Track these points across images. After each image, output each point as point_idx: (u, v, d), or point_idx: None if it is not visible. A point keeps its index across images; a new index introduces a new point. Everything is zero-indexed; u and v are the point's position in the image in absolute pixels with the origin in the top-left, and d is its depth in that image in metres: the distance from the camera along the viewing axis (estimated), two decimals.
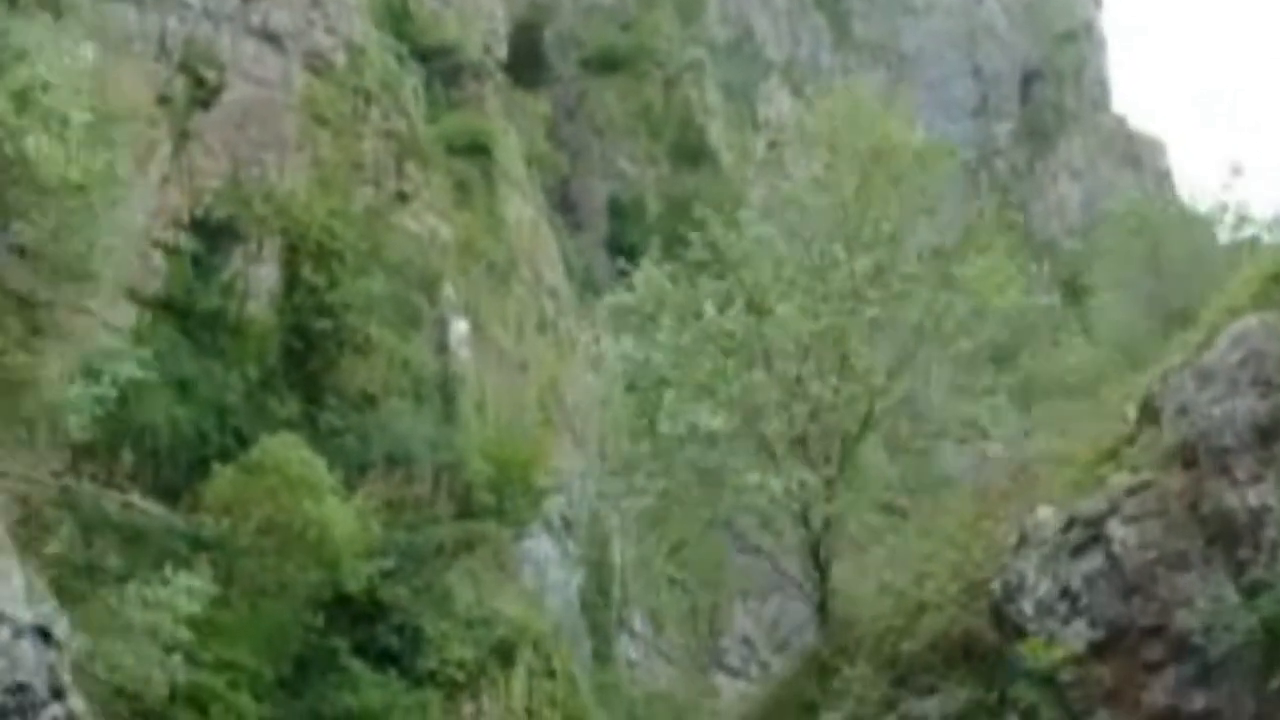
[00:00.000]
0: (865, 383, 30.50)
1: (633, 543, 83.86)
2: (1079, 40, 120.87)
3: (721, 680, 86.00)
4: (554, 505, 71.05)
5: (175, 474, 50.22)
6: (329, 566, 45.10)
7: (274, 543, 43.65)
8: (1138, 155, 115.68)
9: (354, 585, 47.86)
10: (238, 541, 44.33)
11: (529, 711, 49.62)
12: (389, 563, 49.99)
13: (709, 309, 30.48)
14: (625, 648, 77.22)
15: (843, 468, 30.25)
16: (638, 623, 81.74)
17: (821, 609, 28.53)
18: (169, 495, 50.57)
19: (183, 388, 52.13)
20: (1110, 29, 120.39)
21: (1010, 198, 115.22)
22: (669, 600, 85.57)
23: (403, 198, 61.21)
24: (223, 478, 44.78)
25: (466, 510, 53.84)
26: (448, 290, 60.76)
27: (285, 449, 44.48)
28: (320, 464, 45.11)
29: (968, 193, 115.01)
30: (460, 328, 60.16)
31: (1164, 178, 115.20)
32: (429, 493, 54.01)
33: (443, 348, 59.16)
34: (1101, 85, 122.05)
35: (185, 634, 37.63)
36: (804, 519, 30.42)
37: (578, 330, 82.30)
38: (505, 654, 48.90)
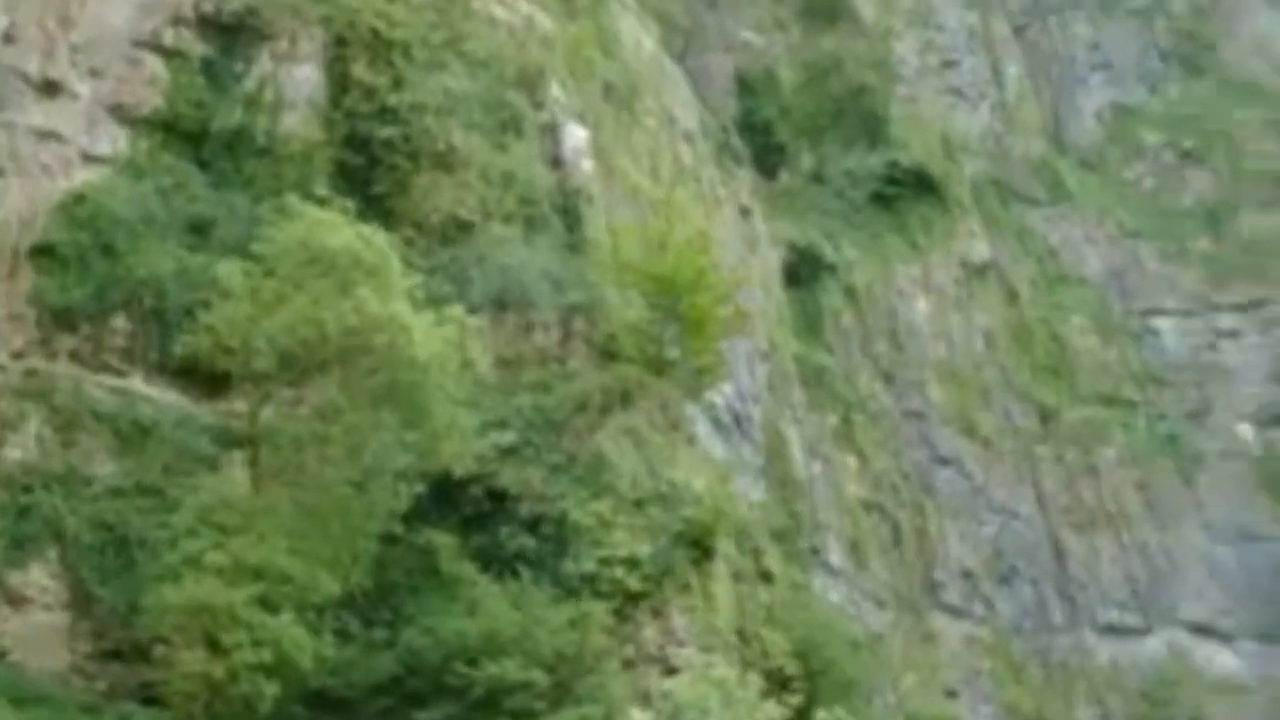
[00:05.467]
0: None
1: (819, 459, 68.10)
2: None
3: (941, 622, 69.16)
4: (720, 397, 54.91)
5: None
6: (414, 415, 28.62)
7: (316, 363, 27.31)
8: None
9: (457, 466, 31.62)
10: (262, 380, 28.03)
11: (741, 633, 32.87)
12: (509, 436, 33.73)
13: None
14: (824, 588, 60.35)
15: None
16: (834, 556, 65.14)
17: None
18: (183, 375, 34.81)
19: (197, 230, 36.90)
20: None
21: (1196, 41, 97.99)
22: (868, 528, 68.91)
23: None
24: (229, 280, 28.42)
25: (611, 363, 37.42)
26: (555, 90, 44.56)
27: (324, 222, 28.09)
28: (384, 243, 28.77)
29: (1143, 42, 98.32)
30: (578, 134, 44.02)
31: None
32: (557, 343, 37.66)
33: (557, 161, 43.00)
34: None
35: None
36: None
37: (724, 192, 66.20)
38: (697, 545, 32.18)
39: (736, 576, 33.76)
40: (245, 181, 38.58)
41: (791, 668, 33.03)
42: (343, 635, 28.89)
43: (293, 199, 30.03)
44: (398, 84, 41.05)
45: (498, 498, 33.46)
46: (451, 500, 32.76)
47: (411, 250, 37.66)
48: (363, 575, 29.13)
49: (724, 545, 33.21)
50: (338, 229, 28.11)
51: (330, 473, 30.04)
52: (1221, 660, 74.54)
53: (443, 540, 31.33)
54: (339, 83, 40.85)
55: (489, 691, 28.38)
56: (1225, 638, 75.12)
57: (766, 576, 35.20)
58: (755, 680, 28.46)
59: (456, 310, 30.75)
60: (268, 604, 26.43)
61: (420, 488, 31.53)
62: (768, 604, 34.46)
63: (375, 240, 28.49)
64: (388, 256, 28.63)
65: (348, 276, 27.37)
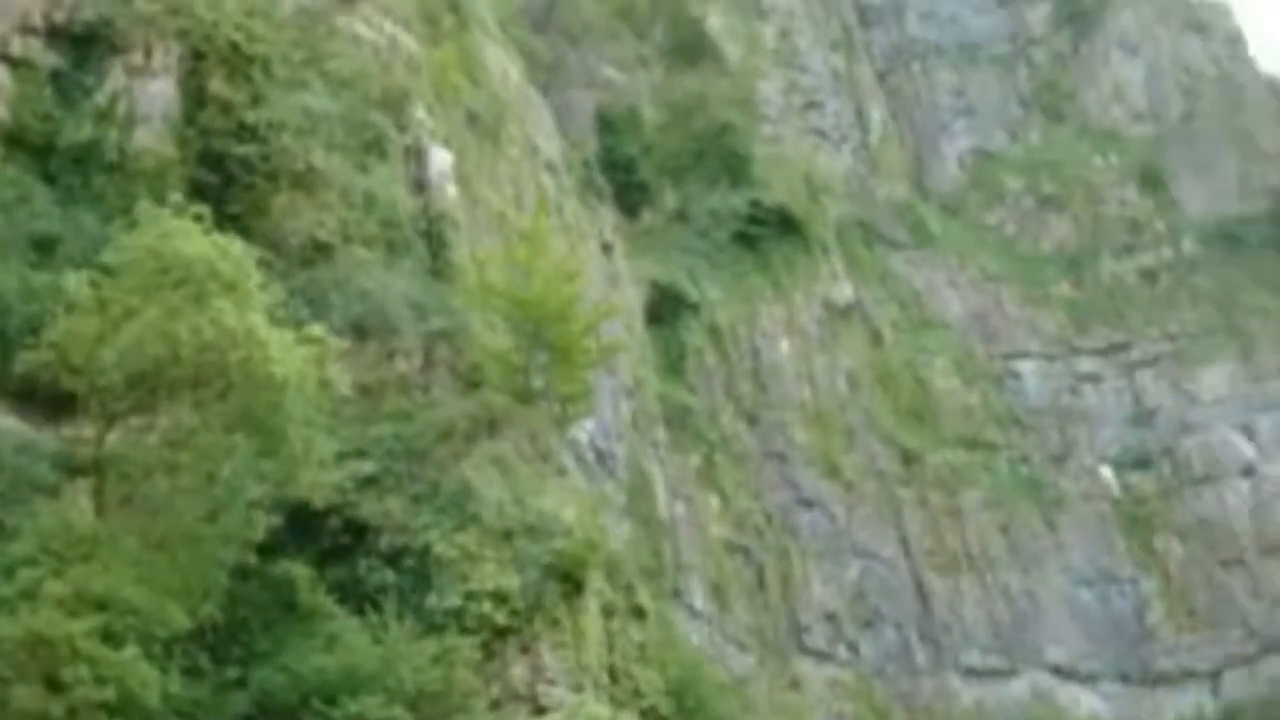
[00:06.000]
0: None
1: (682, 500, 67.01)
2: None
3: (805, 665, 68.18)
4: (583, 434, 53.70)
5: None
6: (271, 440, 26.99)
7: (167, 383, 25.57)
8: (1201, 21, 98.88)
9: (316, 496, 30.00)
10: (109, 401, 26.22)
11: (612, 671, 31.45)
12: (368, 465, 32.19)
13: None
14: (686, 630, 59.05)
15: None
16: (698, 598, 64.00)
17: None
18: (24, 399, 32.84)
19: (42, 247, 35.10)
20: None
21: (1057, 89, 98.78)
22: (731, 570, 67.84)
23: None
24: (76, 292, 26.57)
25: (476, 392, 35.99)
26: (419, 112, 43.18)
27: (178, 230, 26.39)
28: (242, 253, 27.12)
29: (1004, 89, 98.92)
30: (442, 158, 42.70)
31: (1235, 41, 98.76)
32: (419, 371, 36.19)
33: (420, 184, 41.62)
34: None
35: None
36: None
37: (587, 227, 65.12)
38: (567, 579, 30.69)
39: (608, 612, 32.30)
40: (94, 198, 36.73)
41: (665, 707, 31.72)
42: (192, 672, 26.95)
43: (145, 204, 28.25)
44: (256, 101, 39.40)
45: (357, 529, 31.81)
46: (308, 531, 31.04)
47: (269, 273, 36.06)
48: (214, 608, 27.28)
49: (595, 579, 31.76)
50: (193, 237, 26.42)
51: (180, 500, 28.23)
52: (1085, 702, 74.31)
53: (300, 572, 29.60)
54: (195, 98, 39.08)
55: None
56: (1088, 680, 74.94)
57: (639, 612, 33.76)
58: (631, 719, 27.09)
59: (317, 329, 29.14)
60: (111, 637, 24.46)
61: (276, 518, 29.87)
62: (640, 641, 33.04)
63: (233, 250, 26.83)
64: (246, 267, 26.94)
65: (203, 287, 25.58)
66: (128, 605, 24.86)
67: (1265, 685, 75.44)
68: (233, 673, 27.66)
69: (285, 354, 26.54)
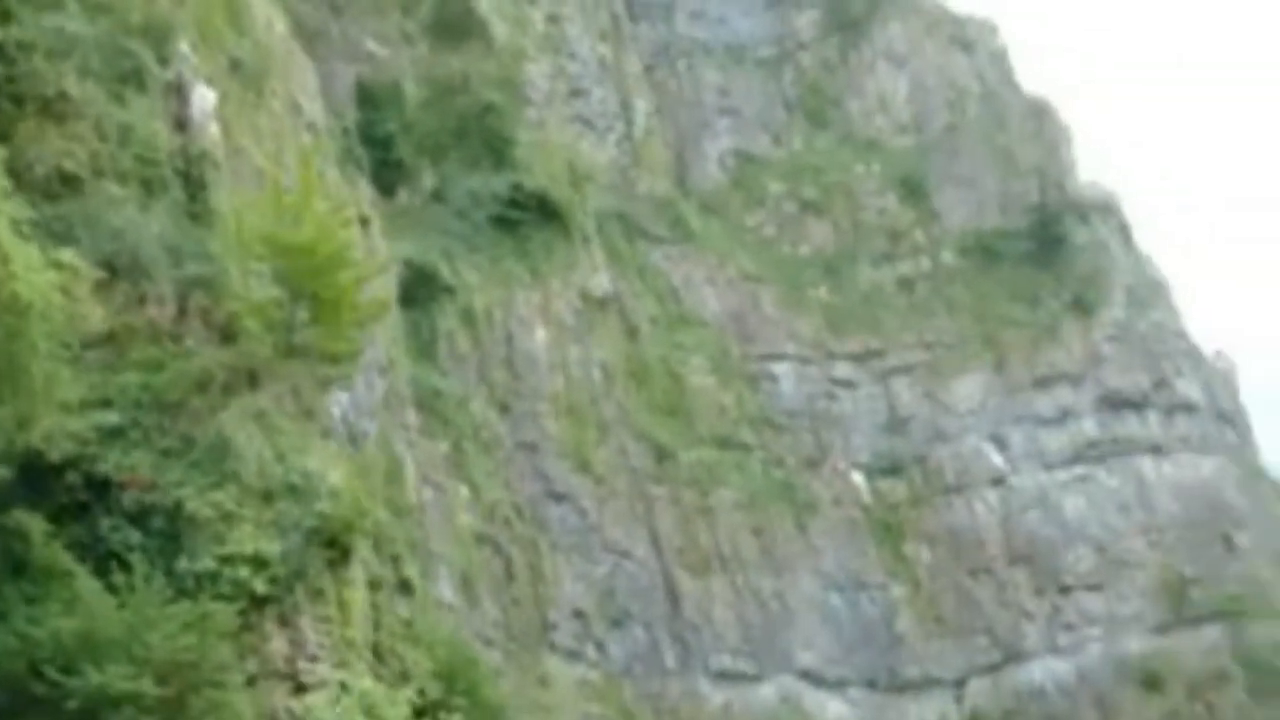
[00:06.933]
0: None
1: (431, 487, 64.32)
2: None
3: (553, 665, 65.95)
4: (337, 408, 50.84)
5: None
6: (9, 371, 23.79)
7: None
8: (968, 37, 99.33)
9: (52, 449, 26.81)
10: None
11: (376, 649, 28.73)
12: (113, 416, 28.98)
13: None
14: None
15: None
16: (445, 589, 61.29)
17: None
18: None
19: None
20: None
21: (822, 96, 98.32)
22: (479, 562, 65.29)
23: None
24: None
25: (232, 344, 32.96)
26: (184, 46, 39.87)
27: None
28: None
29: (769, 92, 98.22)
30: (205, 96, 39.33)
31: (1000, 59, 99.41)
32: (172, 319, 32.97)
33: (181, 123, 38.31)
34: None
35: None
36: None
37: (347, 197, 61.97)
38: (333, 545, 27.90)
39: (374, 585, 29.63)
40: None
41: (435, 691, 29.11)
42: None
43: None
44: (5, 18, 35.64)
45: (99, 485, 28.58)
46: (43, 486, 27.76)
47: (13, 203, 32.67)
48: None
49: (362, 548, 29.06)
50: None
51: None
52: (833, 708, 73.43)
53: (35, 525, 26.32)
54: None
55: (88, 704, 23.49)
56: (836, 685, 74.10)
57: (406, 587, 31.12)
58: (407, 697, 24.47)
59: (68, 254, 25.96)
60: None
61: (6, 469, 26.54)
62: (406, 619, 30.37)
63: None
64: None
65: None
66: None
67: (1009, 694, 75.56)
68: None
69: (31, 275, 23.38)
